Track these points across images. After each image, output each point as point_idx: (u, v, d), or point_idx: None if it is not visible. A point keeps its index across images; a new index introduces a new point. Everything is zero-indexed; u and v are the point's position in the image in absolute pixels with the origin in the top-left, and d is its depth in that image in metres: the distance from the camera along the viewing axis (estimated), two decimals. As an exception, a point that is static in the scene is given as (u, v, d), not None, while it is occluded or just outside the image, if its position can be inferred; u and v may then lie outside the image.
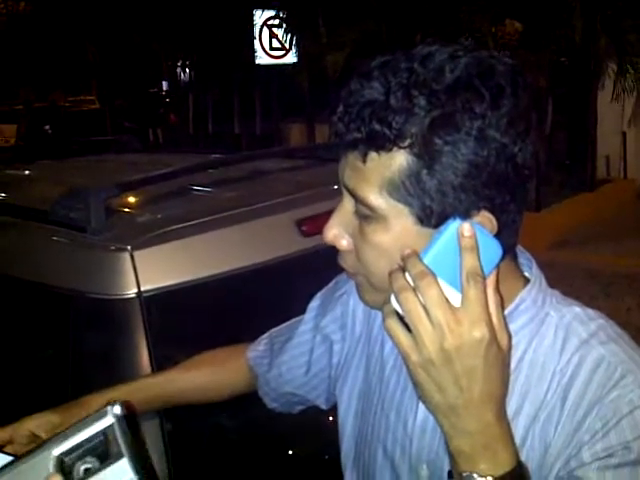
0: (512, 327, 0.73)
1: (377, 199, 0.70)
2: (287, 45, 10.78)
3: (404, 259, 0.66)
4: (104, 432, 0.65)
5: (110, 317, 1.29)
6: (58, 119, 14.64)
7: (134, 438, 0.65)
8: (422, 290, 0.64)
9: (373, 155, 0.69)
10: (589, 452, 0.69)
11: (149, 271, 1.29)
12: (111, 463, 0.63)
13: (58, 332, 1.34)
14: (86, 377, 1.27)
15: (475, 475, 0.66)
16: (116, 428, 0.64)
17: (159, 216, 1.55)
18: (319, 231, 1.52)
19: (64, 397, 1.23)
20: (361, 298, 0.81)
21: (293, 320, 1.13)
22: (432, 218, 0.70)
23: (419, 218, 0.70)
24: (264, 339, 1.16)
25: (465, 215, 0.68)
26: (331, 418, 1.08)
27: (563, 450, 0.71)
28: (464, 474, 0.66)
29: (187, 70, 12.21)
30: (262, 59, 11.02)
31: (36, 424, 1.02)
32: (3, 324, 1.50)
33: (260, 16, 10.69)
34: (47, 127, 14.53)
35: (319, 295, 1.09)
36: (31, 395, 1.38)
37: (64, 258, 1.41)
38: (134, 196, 1.64)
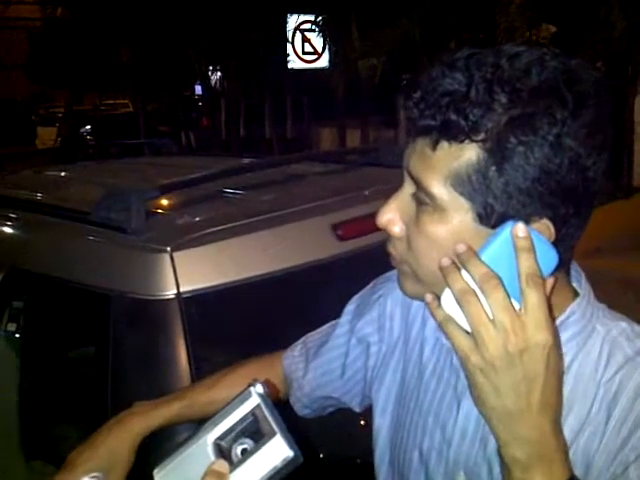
0: (561, 338, 0.72)
1: (440, 189, 0.69)
2: (319, 49, 10.80)
3: (460, 256, 0.65)
4: (253, 413, 0.65)
5: (149, 317, 1.30)
6: (95, 122, 14.90)
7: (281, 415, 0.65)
8: (488, 293, 0.62)
9: (444, 144, 0.68)
10: (636, 472, 0.67)
11: (188, 272, 1.31)
12: (266, 442, 0.63)
13: (98, 332, 1.36)
14: (125, 376, 1.29)
15: None
16: (263, 407, 0.65)
17: (198, 218, 1.57)
18: (354, 235, 1.55)
19: (104, 396, 1.26)
20: (401, 287, 0.80)
21: (328, 324, 1.12)
22: (492, 218, 0.68)
23: (479, 215, 0.69)
24: (298, 344, 1.15)
25: (525, 220, 0.67)
26: (363, 422, 1.08)
27: (606, 467, 0.70)
28: None
29: (220, 75, 12.30)
30: (294, 63, 11.05)
31: (85, 470, 0.97)
32: (45, 324, 1.53)
33: (295, 21, 10.73)
34: (83, 130, 14.82)
35: (356, 298, 1.09)
36: (72, 394, 1.40)
37: (105, 258, 1.44)
38: (173, 198, 1.66)
